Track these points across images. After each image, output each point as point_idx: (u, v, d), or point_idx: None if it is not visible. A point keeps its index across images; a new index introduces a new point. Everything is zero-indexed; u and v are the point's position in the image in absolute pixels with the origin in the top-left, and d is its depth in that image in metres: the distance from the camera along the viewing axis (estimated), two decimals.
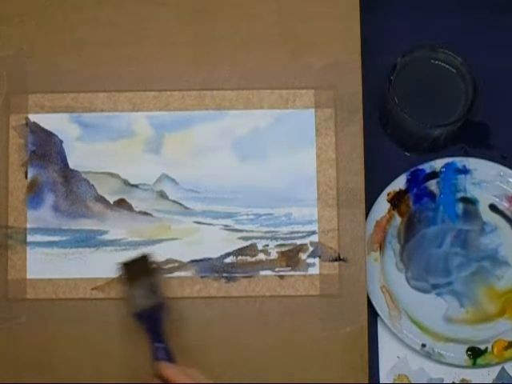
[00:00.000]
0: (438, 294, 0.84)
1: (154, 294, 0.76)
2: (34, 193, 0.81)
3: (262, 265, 0.80)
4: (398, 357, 0.84)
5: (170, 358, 0.74)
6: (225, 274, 0.80)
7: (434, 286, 0.84)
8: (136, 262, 0.77)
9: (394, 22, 0.89)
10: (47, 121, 0.81)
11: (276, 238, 0.80)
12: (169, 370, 0.71)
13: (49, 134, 0.81)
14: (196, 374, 0.71)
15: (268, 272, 0.80)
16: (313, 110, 0.81)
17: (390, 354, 0.84)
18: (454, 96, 0.84)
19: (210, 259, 0.80)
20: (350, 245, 0.80)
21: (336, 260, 0.80)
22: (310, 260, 0.80)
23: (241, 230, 0.80)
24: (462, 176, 0.85)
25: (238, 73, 0.81)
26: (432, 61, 0.84)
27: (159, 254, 0.80)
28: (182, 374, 0.71)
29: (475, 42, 0.89)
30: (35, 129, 0.81)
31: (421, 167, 0.86)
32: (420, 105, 0.84)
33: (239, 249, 0.80)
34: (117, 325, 0.79)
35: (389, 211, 0.85)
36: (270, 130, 0.81)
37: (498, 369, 0.83)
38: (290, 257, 0.80)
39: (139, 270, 0.77)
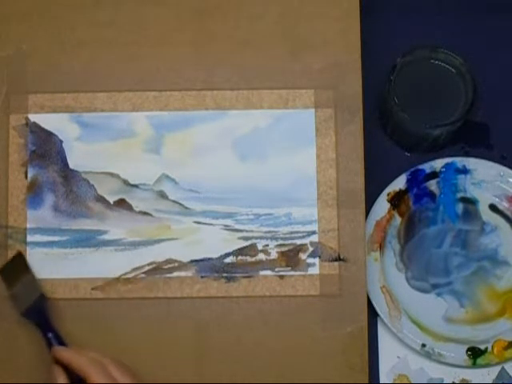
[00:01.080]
0: (438, 294, 0.84)
1: (33, 288, 0.78)
2: (34, 193, 0.81)
3: (262, 265, 0.80)
4: (398, 357, 0.84)
5: (62, 343, 0.76)
6: (225, 274, 0.80)
7: (434, 286, 0.84)
8: (11, 263, 0.79)
9: (394, 23, 0.90)
10: (47, 121, 0.81)
11: (276, 238, 0.80)
12: (64, 352, 0.75)
13: (49, 134, 0.81)
14: (90, 352, 0.74)
15: (268, 272, 0.80)
16: (313, 110, 0.81)
17: (390, 354, 0.84)
18: (454, 96, 0.84)
19: (210, 259, 0.80)
20: (350, 245, 0.80)
21: (336, 260, 0.80)
22: (310, 260, 0.80)
23: (241, 230, 0.80)
24: (462, 176, 0.85)
25: (238, 73, 0.81)
26: (432, 61, 0.84)
27: (159, 254, 0.80)
28: (76, 354, 0.74)
29: (475, 42, 0.89)
30: (35, 129, 0.81)
31: (421, 167, 0.86)
32: (420, 105, 0.84)
33: (239, 249, 0.80)
34: (117, 325, 0.79)
35: (389, 211, 0.85)
36: (270, 129, 0.81)
37: (497, 369, 0.83)
38: (290, 257, 0.80)
39: (16, 269, 0.78)
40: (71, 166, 0.81)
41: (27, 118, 0.81)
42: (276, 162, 0.81)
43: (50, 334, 0.76)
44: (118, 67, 0.82)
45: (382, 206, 0.85)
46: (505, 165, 0.86)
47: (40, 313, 0.77)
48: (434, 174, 0.85)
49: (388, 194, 0.85)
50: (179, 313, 0.80)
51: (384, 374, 0.84)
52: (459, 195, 0.86)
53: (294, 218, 0.80)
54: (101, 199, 0.81)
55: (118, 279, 0.80)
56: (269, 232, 0.80)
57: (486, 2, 0.90)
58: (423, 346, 0.83)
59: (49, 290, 0.79)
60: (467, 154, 0.87)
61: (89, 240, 0.80)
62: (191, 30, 0.82)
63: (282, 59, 0.81)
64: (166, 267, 0.80)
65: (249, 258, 0.80)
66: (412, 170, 0.85)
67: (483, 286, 0.84)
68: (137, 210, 0.81)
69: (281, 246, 0.80)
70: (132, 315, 0.79)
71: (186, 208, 0.81)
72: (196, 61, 0.82)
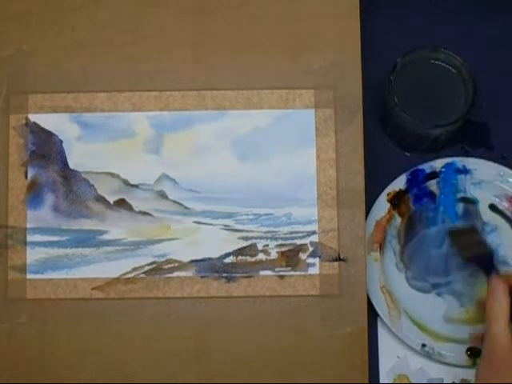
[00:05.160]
0: (438, 294, 0.84)
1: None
2: (34, 193, 0.81)
3: (262, 265, 0.80)
4: (398, 357, 0.84)
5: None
6: (225, 274, 0.80)
7: (434, 286, 0.84)
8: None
9: (393, 23, 0.90)
10: (47, 121, 0.81)
11: (276, 238, 0.80)
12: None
13: (49, 134, 0.81)
14: None
15: (268, 272, 0.80)
16: (313, 110, 0.81)
17: (390, 353, 0.84)
18: (454, 96, 0.84)
19: (210, 259, 0.80)
20: (350, 245, 0.80)
21: (336, 260, 0.80)
22: (310, 260, 0.80)
23: (241, 230, 0.80)
24: (462, 176, 0.85)
25: (238, 73, 0.82)
26: (432, 61, 0.84)
27: (159, 254, 0.80)
28: None
29: (475, 42, 0.89)
30: (35, 129, 0.81)
31: (421, 167, 0.86)
32: (420, 105, 0.84)
33: (239, 249, 0.80)
34: (117, 325, 0.79)
35: (389, 211, 0.85)
36: (270, 129, 0.81)
37: None
38: (290, 257, 0.80)
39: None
40: (71, 166, 0.81)
41: (27, 118, 0.81)
42: (276, 162, 0.81)
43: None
44: (118, 67, 0.82)
45: (382, 205, 0.85)
46: (505, 165, 0.86)
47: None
48: (433, 174, 0.85)
49: (388, 194, 0.85)
50: (179, 313, 0.80)
51: (384, 374, 0.84)
52: (459, 195, 0.86)
53: (294, 217, 0.80)
54: (101, 199, 0.81)
55: (118, 279, 0.80)
56: (269, 232, 0.80)
57: (486, 2, 0.90)
58: (423, 346, 0.83)
59: (49, 290, 0.80)
60: (467, 154, 0.87)
61: (89, 240, 0.80)
62: (191, 30, 0.82)
63: (282, 59, 0.81)
64: (166, 267, 0.80)
65: (249, 258, 0.80)
66: (412, 170, 0.85)
67: (483, 286, 0.84)
68: (137, 210, 0.81)
69: (281, 245, 0.80)
70: (132, 315, 0.79)
71: (186, 208, 0.81)
72: (196, 61, 0.82)
